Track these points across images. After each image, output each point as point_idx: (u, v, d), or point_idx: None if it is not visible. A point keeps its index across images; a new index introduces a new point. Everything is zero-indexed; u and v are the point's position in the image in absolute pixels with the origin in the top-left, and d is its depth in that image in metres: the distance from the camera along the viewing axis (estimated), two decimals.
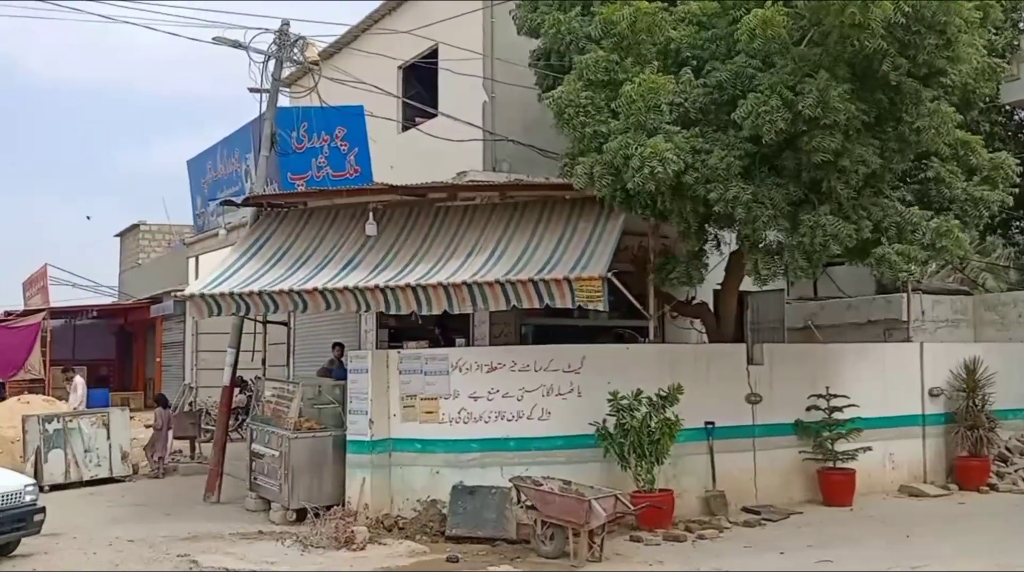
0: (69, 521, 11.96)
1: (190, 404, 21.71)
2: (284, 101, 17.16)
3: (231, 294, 12.24)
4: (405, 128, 17.62)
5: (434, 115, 16.62)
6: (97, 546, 10.92)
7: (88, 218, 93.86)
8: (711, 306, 14.62)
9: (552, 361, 11.89)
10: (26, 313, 29.31)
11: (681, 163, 10.45)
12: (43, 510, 10.55)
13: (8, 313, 30.26)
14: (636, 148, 10.51)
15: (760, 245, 11.49)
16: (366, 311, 12.33)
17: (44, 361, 26.52)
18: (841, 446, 12.94)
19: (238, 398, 17.56)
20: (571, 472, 11.12)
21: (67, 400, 19.83)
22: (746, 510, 12.35)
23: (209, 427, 18.60)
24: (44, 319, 27.04)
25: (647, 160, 10.35)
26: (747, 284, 13.82)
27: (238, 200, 14.78)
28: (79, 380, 18.14)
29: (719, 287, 14.23)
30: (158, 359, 30.73)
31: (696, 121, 11.11)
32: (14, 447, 16.18)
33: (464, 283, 11.35)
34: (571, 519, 9.87)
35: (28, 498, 10.39)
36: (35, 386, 25.50)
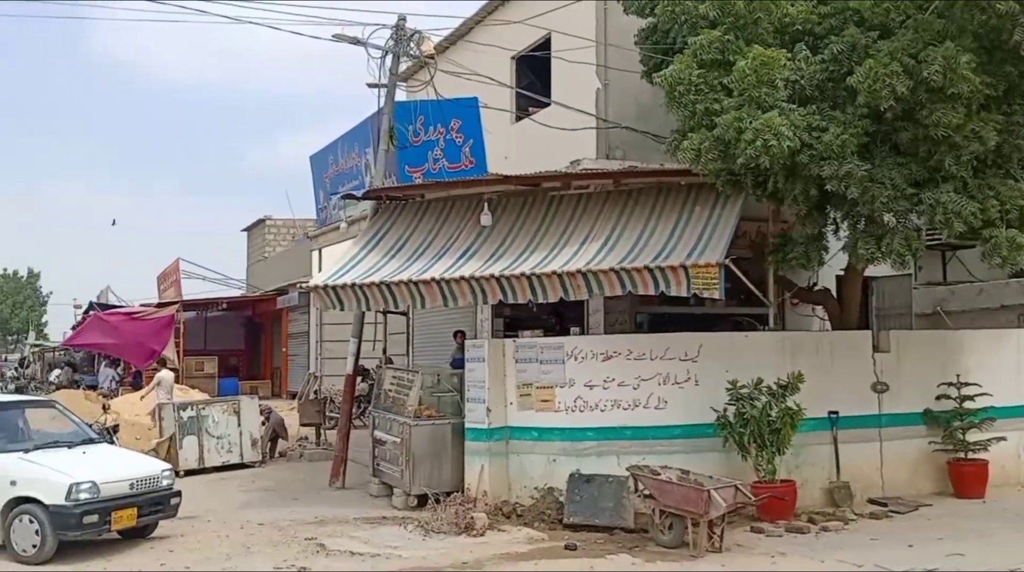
0: (202, 505, 12.51)
1: (315, 392, 22.36)
2: (401, 95, 17.47)
3: (352, 286, 12.56)
4: (518, 118, 17.70)
5: (547, 104, 16.64)
6: (229, 529, 11.38)
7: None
8: (834, 292, 14.21)
9: (668, 349, 11.78)
10: (160, 306, 30.65)
11: (796, 141, 10.17)
12: (179, 494, 11.04)
13: (144, 305, 31.75)
14: (749, 122, 10.28)
15: (871, 226, 11.07)
16: (484, 303, 12.45)
17: (178, 351, 27.68)
18: (973, 436, 12.43)
19: (360, 386, 18.03)
20: (688, 461, 11.00)
21: (199, 389, 20.78)
22: (872, 502, 11.99)
23: (333, 414, 19.15)
24: (177, 311, 28.19)
25: (760, 133, 10.10)
26: (872, 269, 13.38)
27: (358, 194, 15.13)
28: (165, 373, 18.92)
29: (842, 273, 13.82)
30: (284, 349, 31.82)
31: (812, 98, 10.79)
32: (152, 433, 17.02)
33: (579, 271, 11.34)
34: (690, 509, 9.78)
35: (165, 483, 10.88)
36: None
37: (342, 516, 12.00)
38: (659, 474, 10.36)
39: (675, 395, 11.70)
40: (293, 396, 28.59)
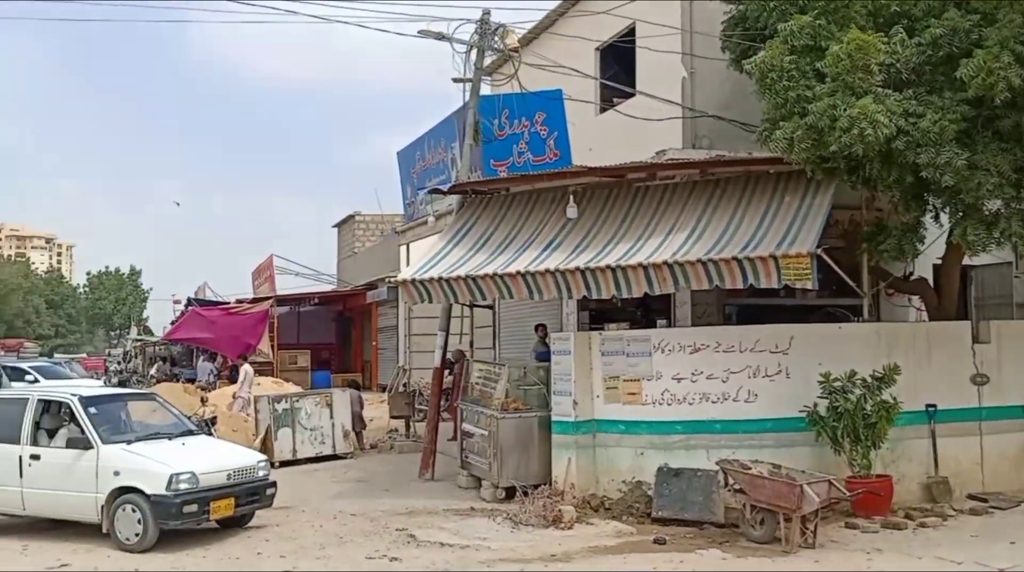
0: (296, 495, 12.80)
1: (404, 385, 22.66)
2: (486, 89, 17.52)
3: (439, 280, 12.67)
4: (603, 109, 17.60)
5: (632, 94, 16.50)
6: (323, 519, 11.64)
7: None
8: (931, 282, 13.77)
9: (758, 341, 11.58)
10: (255, 301, 31.42)
11: (892, 127, 9.88)
12: (274, 484, 11.32)
13: (239, 301, 32.60)
14: (843, 109, 10.02)
15: (975, 214, 10.70)
16: (569, 298, 12.42)
17: (272, 345, 28.35)
18: None
19: (448, 379, 18.20)
20: (779, 456, 10.80)
21: (292, 382, 21.25)
22: (972, 497, 11.60)
23: (422, 407, 19.38)
24: (271, 306, 28.86)
25: (856, 121, 9.83)
26: (970, 258, 12.92)
27: (444, 188, 15.27)
28: (247, 368, 19.37)
29: (939, 262, 13.38)
30: (374, 342, 32.27)
31: (908, 83, 10.47)
32: (247, 425, 17.48)
33: (665, 263, 11.22)
34: (782, 504, 9.61)
35: (261, 473, 11.18)
36: (264, 369, 27.35)
37: (432, 507, 12.16)
38: (749, 468, 10.21)
39: (765, 388, 11.49)
40: (383, 389, 29.01)
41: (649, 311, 15.06)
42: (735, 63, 13.20)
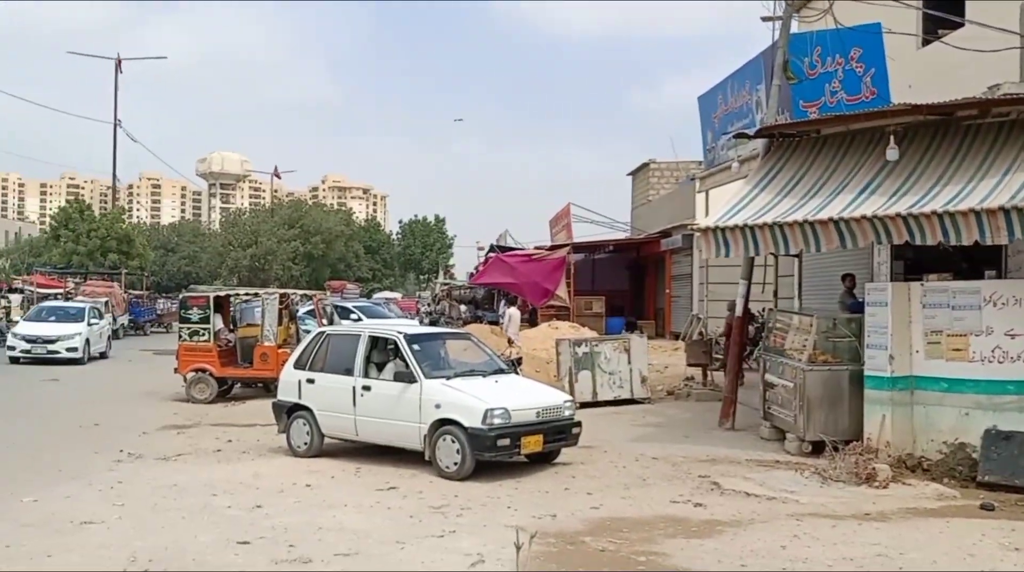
0: (596, 436, 13.07)
1: (700, 333, 22.49)
2: (795, 27, 16.72)
3: (742, 228, 12.34)
4: (926, 42, 16.23)
5: (960, 24, 15.08)
6: (625, 460, 11.85)
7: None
8: None
9: None
10: (552, 248, 32.36)
11: None
12: (579, 424, 11.63)
13: (537, 248, 33.70)
14: None
15: None
16: (888, 243, 11.67)
17: (569, 291, 29.11)
18: None
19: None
20: None
21: (587, 327, 21.71)
22: None
23: (718, 356, 19.16)
24: (568, 253, 29.59)
25: None
26: None
27: (750, 132, 14.81)
28: (511, 310, 19.74)
29: None
30: (667, 290, 32.28)
31: None
32: (548, 367, 18.12)
33: (1001, 208, 10.22)
34: None
35: (567, 413, 11.53)
36: (561, 313, 28.20)
37: (733, 457, 12.02)
38: None
39: None
40: (676, 337, 28.99)
41: (974, 260, 13.85)
42: None
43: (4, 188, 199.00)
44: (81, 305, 30.08)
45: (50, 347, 26.22)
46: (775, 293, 15.81)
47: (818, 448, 11.82)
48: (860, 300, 13.01)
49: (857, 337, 12.10)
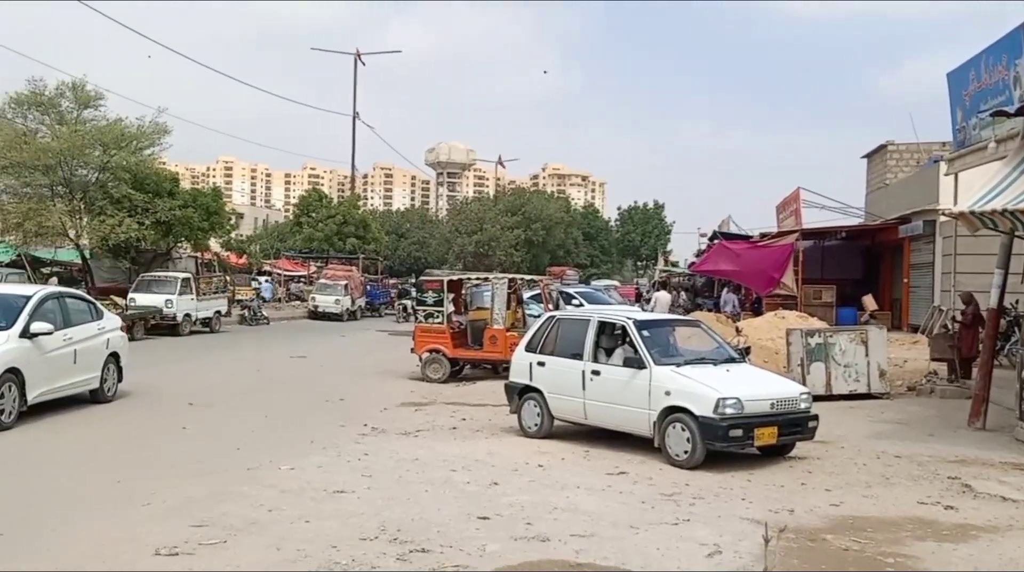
0: (831, 431, 12.55)
1: (944, 326, 21.08)
2: None
3: (1002, 213, 11.47)
4: None
5: None
6: (865, 457, 11.31)
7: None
8: None
9: None
10: (779, 234, 31.27)
11: None
12: (816, 418, 11.20)
13: (763, 234, 32.68)
14: None
15: None
16: None
17: (796, 280, 28.07)
18: None
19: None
20: None
21: (816, 317, 20.86)
22: None
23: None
24: (796, 240, 28.51)
25: None
26: None
27: (1010, 109, 13.68)
28: (662, 294, 19.03)
29: None
30: (905, 280, 30.47)
31: None
32: (778, 357, 17.57)
33: None
34: None
35: (803, 405, 11.13)
36: (788, 302, 27.24)
37: (985, 459, 11.24)
38: None
39: None
40: (914, 329, 27.32)
41: None
42: None
43: (254, 177, 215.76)
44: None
45: None
46: None
47: None
48: None
49: None
